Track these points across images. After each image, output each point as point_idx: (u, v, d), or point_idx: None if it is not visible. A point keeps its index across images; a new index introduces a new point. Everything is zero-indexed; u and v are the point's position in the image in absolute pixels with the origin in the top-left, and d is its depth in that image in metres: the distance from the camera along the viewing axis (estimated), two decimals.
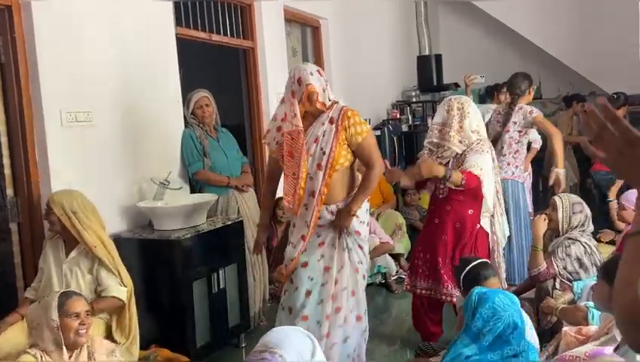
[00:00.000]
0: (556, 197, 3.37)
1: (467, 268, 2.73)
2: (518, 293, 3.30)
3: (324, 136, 2.81)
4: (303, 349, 1.48)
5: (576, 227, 3.25)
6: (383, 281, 4.56)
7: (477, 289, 2.18)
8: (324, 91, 2.82)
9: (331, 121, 2.81)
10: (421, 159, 3.41)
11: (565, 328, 2.74)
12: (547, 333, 3.03)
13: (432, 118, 3.53)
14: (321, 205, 2.85)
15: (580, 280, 3.11)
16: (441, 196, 3.34)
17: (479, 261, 2.77)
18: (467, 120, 3.29)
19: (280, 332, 1.56)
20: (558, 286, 3.18)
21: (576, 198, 3.35)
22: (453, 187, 3.19)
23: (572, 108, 6.77)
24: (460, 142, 3.28)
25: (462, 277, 2.71)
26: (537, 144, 5.03)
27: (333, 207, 2.88)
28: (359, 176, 3.01)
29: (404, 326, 3.99)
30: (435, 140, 3.34)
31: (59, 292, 2.43)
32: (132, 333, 2.86)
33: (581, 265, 3.17)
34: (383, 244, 4.72)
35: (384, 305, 4.40)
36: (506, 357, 2.03)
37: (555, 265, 3.17)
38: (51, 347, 2.31)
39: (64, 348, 2.31)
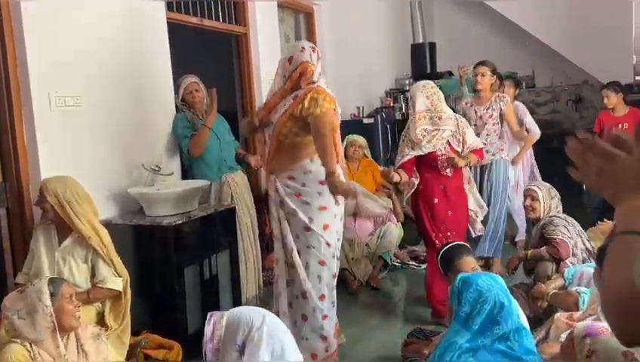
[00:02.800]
0: (533, 187, 3.59)
1: (443, 249, 2.89)
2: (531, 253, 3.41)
3: (282, 108, 2.92)
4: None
5: (552, 210, 3.49)
6: (366, 280, 4.53)
7: (460, 276, 2.19)
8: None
9: (294, 97, 2.90)
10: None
11: (557, 314, 2.76)
12: (538, 319, 3.04)
13: (411, 107, 3.70)
14: (268, 173, 3.05)
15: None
16: (450, 174, 3.65)
17: (455, 242, 2.96)
18: (444, 101, 3.68)
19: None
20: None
21: (547, 184, 3.62)
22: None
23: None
24: (450, 119, 3.63)
25: (439, 258, 2.84)
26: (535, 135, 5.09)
27: (276, 178, 2.97)
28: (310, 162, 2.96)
29: (395, 313, 4.01)
30: (429, 127, 3.57)
31: (46, 279, 2.38)
32: (125, 320, 2.85)
33: (569, 232, 3.31)
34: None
35: (372, 297, 4.41)
36: (497, 339, 2.03)
37: (568, 240, 3.24)
38: (44, 335, 2.24)
39: (58, 334, 2.28)
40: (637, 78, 7.51)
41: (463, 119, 3.80)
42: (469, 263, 2.71)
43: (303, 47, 2.93)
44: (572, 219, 3.44)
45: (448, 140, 3.62)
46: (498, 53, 7.23)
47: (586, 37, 7.11)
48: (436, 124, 3.58)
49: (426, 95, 3.59)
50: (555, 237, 3.31)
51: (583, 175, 0.97)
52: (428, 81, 3.81)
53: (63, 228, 2.78)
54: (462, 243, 2.97)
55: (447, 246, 2.94)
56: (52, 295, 2.28)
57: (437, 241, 3.56)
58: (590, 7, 7.14)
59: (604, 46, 6.97)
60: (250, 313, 1.47)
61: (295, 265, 2.97)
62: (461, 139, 3.65)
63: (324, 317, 3.03)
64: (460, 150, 3.67)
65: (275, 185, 2.98)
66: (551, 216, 3.43)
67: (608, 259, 0.90)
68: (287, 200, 2.94)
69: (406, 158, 3.62)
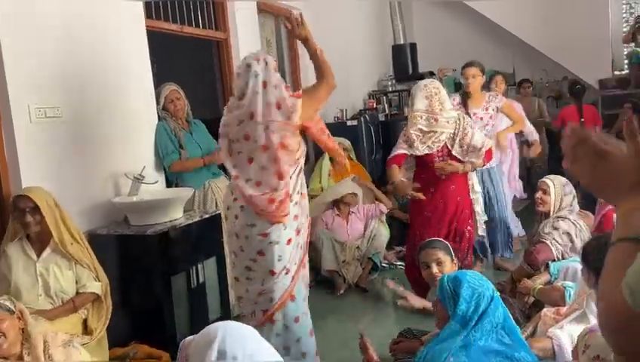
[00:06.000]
0: (546, 180, 3.43)
1: (420, 244, 2.96)
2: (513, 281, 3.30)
3: None
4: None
5: (564, 208, 3.34)
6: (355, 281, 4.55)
7: (445, 277, 2.17)
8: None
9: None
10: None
11: (544, 309, 2.78)
12: (527, 315, 3.06)
13: (410, 106, 3.70)
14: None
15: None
16: (444, 178, 3.63)
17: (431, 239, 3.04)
18: (446, 102, 3.63)
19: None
20: None
21: (564, 179, 3.42)
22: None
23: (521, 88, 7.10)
24: (448, 122, 3.60)
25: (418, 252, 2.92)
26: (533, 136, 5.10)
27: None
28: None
29: (384, 313, 4.01)
30: (424, 128, 3.59)
31: None
32: (106, 325, 2.86)
33: (571, 240, 3.21)
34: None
35: (361, 298, 4.42)
36: (488, 332, 2.02)
37: (554, 248, 3.19)
38: None
39: None
40: (616, 72, 7.62)
41: (468, 119, 3.75)
42: (430, 254, 2.74)
43: (249, 65, 2.67)
44: (582, 225, 3.29)
45: (445, 143, 3.61)
46: (478, 52, 7.28)
47: (564, 34, 7.19)
48: (432, 126, 3.58)
49: (426, 95, 3.58)
50: (542, 240, 3.22)
51: (576, 172, 0.92)
52: (433, 80, 3.75)
53: (41, 239, 2.76)
54: (437, 239, 2.99)
55: (425, 241, 3.04)
56: None
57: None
58: (567, 3, 7.23)
59: (582, 42, 7.06)
60: (203, 336, 1.36)
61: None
62: (460, 141, 3.61)
63: None
64: (458, 154, 3.64)
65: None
66: (559, 217, 3.29)
67: (606, 268, 0.84)
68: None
69: (398, 152, 3.65)
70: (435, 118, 3.57)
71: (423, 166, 3.71)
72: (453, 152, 3.65)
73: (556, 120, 6.71)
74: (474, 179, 3.88)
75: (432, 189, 3.66)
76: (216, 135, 4.12)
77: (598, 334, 1.96)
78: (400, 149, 3.67)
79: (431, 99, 3.57)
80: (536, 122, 6.37)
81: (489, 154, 3.71)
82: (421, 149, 3.60)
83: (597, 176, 0.89)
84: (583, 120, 6.23)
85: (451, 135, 3.61)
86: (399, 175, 3.65)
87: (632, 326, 0.76)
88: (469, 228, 3.79)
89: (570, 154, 0.92)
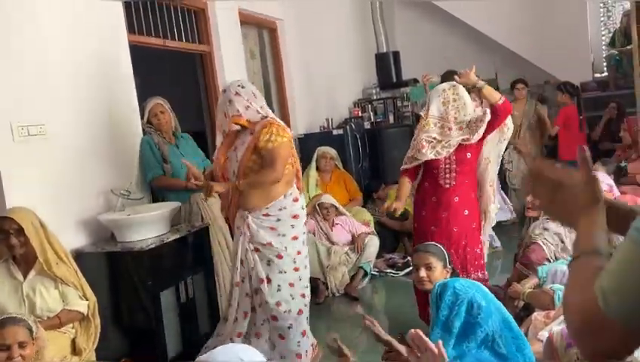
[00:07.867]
0: None
1: (417, 246, 2.94)
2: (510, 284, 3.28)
3: (242, 145, 3.03)
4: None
5: None
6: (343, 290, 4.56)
7: (437, 283, 2.19)
8: (247, 109, 3.02)
9: (251, 133, 3.01)
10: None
11: (535, 313, 2.79)
12: (515, 319, 3.07)
13: (425, 109, 3.40)
14: (234, 208, 3.13)
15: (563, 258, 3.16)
16: (447, 186, 3.36)
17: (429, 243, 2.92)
18: (464, 109, 3.31)
19: (221, 349, 1.56)
20: None
21: None
22: (490, 102, 3.26)
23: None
24: (461, 128, 3.31)
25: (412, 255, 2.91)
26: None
27: (249, 215, 3.05)
28: (291, 193, 3.10)
29: (378, 321, 4.00)
30: (436, 136, 3.32)
31: None
32: (95, 344, 2.82)
33: (562, 240, 3.23)
34: (360, 234, 4.81)
35: (352, 306, 4.41)
36: (482, 342, 2.02)
37: (546, 247, 3.20)
38: None
39: None
40: (596, 75, 7.72)
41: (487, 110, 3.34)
42: (422, 258, 2.73)
43: (230, 100, 3.01)
44: None
45: (459, 143, 3.31)
46: (461, 58, 7.35)
47: (545, 39, 7.29)
48: (445, 135, 3.30)
49: (443, 101, 3.30)
50: (533, 241, 3.23)
51: (539, 203, 1.05)
52: (455, 84, 3.35)
53: (27, 260, 2.73)
54: (433, 243, 2.95)
55: (421, 245, 2.96)
56: None
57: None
58: (546, 8, 7.33)
59: (562, 46, 7.16)
60: None
61: (264, 292, 3.05)
62: (475, 131, 3.30)
63: (303, 333, 3.11)
64: (473, 144, 3.35)
65: (247, 222, 3.06)
66: (548, 218, 3.25)
67: (569, 280, 0.93)
68: (262, 232, 3.04)
69: (410, 165, 3.41)
70: (450, 127, 3.28)
71: (428, 172, 3.42)
72: (467, 153, 3.35)
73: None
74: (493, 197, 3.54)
75: (434, 199, 3.40)
76: (201, 149, 4.12)
77: None
78: (410, 163, 3.42)
79: (448, 106, 3.29)
80: (533, 130, 6.34)
81: (503, 107, 3.27)
82: (428, 155, 3.31)
83: (554, 205, 1.00)
84: (582, 117, 6.40)
85: (465, 138, 3.30)
86: (408, 190, 3.46)
87: (600, 330, 0.81)
88: (478, 249, 3.48)
89: (531, 188, 1.04)
